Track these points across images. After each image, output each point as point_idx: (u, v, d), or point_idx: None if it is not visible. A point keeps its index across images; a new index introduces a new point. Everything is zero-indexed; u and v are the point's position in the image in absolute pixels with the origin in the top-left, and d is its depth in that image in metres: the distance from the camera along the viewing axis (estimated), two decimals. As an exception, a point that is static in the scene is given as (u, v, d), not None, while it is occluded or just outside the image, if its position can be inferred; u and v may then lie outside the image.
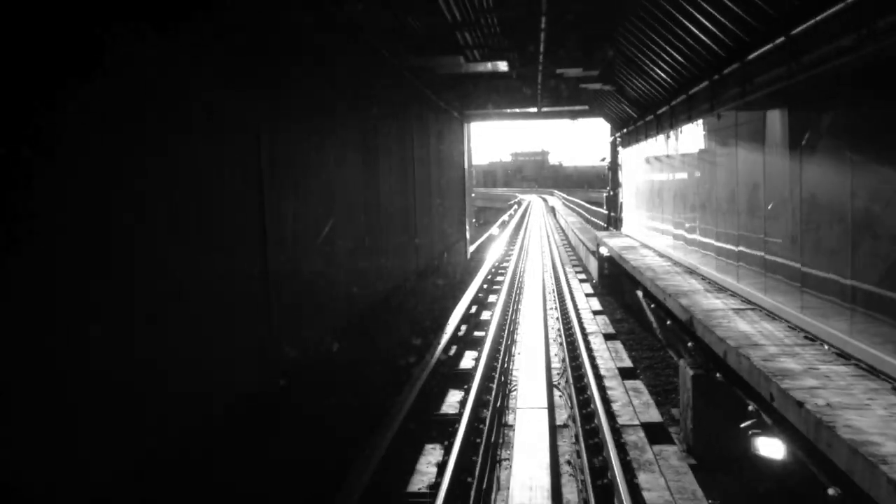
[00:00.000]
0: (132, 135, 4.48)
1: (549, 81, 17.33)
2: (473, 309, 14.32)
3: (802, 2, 6.72)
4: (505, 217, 51.38)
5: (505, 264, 22.59)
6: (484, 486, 6.16)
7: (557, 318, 13.89)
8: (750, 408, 6.25)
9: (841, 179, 6.22)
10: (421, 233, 14.77)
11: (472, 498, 5.84)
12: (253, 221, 6.33)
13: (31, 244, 3.61)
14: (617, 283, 17.82)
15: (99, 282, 4.09)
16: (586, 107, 20.61)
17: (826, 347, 6.39)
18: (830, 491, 4.64)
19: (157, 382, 4.66)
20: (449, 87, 17.36)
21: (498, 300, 14.66)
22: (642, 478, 6.36)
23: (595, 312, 14.63)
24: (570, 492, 6.28)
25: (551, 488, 5.99)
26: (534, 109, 21.04)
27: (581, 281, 19.88)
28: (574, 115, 22.26)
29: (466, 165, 24.81)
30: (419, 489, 6.21)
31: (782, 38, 7.35)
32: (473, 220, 30.13)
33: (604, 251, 18.87)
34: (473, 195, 34.48)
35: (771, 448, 5.79)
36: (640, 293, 13.42)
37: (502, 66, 13.17)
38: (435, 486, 6.03)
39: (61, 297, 3.79)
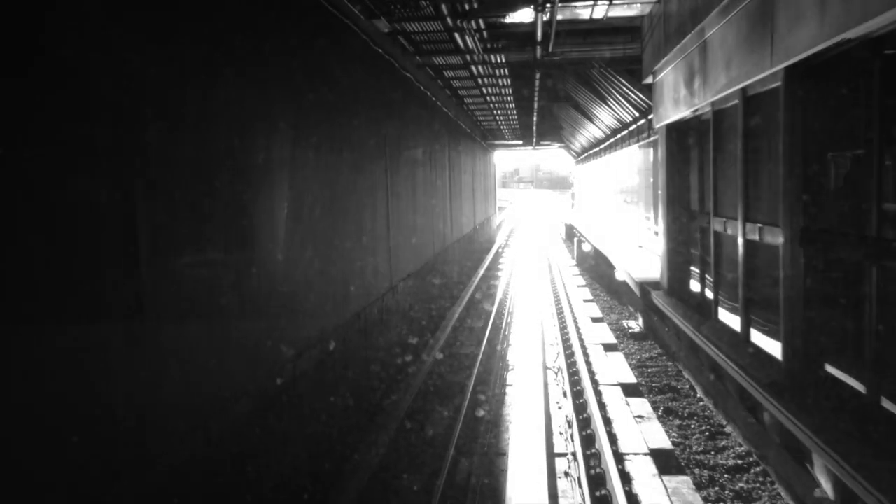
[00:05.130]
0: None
1: (539, 143, 37.33)
2: (506, 240, 34.16)
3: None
4: (510, 210, 71.04)
5: (518, 228, 42.51)
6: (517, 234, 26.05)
7: (544, 249, 33.66)
8: (583, 241, 26.02)
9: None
10: (486, 204, 34.60)
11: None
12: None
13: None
14: (572, 235, 37.57)
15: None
16: (558, 146, 40.56)
17: (615, 236, 26.00)
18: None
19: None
20: (496, 145, 37.41)
21: (515, 237, 34.46)
22: (553, 259, 26.09)
23: (561, 249, 34.43)
24: (540, 235, 26.12)
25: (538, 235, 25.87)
26: (531, 147, 40.92)
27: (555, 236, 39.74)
28: (553, 149, 42.18)
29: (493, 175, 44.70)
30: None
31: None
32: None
33: (566, 221, 38.67)
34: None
35: (587, 247, 25.47)
36: (577, 235, 33.16)
37: (519, 142, 33.17)
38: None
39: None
